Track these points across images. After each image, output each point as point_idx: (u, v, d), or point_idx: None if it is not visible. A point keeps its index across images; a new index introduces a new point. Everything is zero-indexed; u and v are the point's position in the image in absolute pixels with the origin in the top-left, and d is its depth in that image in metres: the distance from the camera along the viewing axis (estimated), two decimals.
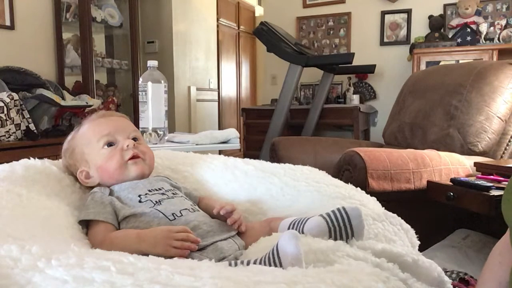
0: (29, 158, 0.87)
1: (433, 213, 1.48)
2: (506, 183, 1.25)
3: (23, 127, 2.09)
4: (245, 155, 3.46)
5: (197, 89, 3.93)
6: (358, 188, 0.95)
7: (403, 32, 3.78)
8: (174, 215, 0.76)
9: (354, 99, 3.73)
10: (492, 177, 1.33)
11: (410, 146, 1.87)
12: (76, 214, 0.77)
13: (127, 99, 3.19)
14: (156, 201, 0.78)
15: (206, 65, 4.11)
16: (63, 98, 2.42)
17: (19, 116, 2.06)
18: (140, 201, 0.78)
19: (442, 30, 3.58)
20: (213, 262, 0.56)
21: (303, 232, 0.69)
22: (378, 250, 0.66)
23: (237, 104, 5.04)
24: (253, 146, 3.59)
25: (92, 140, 0.85)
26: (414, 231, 0.84)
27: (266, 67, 4.48)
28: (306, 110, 3.50)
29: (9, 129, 2.01)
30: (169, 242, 0.65)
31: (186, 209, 0.78)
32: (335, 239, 0.67)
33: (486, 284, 0.62)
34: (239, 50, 5.06)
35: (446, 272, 1.09)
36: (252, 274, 0.51)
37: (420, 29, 3.70)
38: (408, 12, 3.74)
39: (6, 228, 0.59)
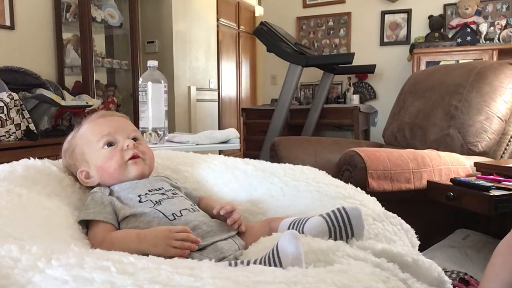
0: (29, 158, 0.87)
1: (433, 213, 1.48)
2: (506, 183, 1.25)
3: (23, 127, 2.08)
4: (245, 155, 3.46)
5: (197, 89, 3.93)
6: (358, 188, 0.95)
7: (403, 32, 3.78)
8: (174, 215, 0.75)
9: (354, 99, 3.74)
10: (492, 177, 1.33)
11: (410, 146, 1.87)
12: (76, 214, 0.77)
13: (127, 99, 3.18)
14: (156, 201, 0.78)
15: (206, 65, 4.11)
16: (63, 98, 2.41)
17: (19, 116, 2.06)
18: (140, 201, 0.78)
19: (442, 30, 3.58)
20: (213, 262, 0.56)
21: (303, 232, 0.69)
22: (378, 250, 0.66)
23: (237, 104, 5.03)
24: (253, 146, 3.59)
25: (92, 140, 0.85)
26: (414, 231, 0.84)
27: (266, 67, 4.48)
28: (306, 110, 3.51)
29: (9, 129, 2.01)
30: (169, 242, 0.65)
31: (186, 209, 0.78)
32: (335, 239, 0.68)
33: (489, 283, 0.62)
34: (239, 50, 5.05)
35: (446, 272, 1.09)
36: (252, 274, 0.51)
37: (420, 29, 3.70)
38: (408, 12, 3.74)
39: (6, 228, 0.59)
